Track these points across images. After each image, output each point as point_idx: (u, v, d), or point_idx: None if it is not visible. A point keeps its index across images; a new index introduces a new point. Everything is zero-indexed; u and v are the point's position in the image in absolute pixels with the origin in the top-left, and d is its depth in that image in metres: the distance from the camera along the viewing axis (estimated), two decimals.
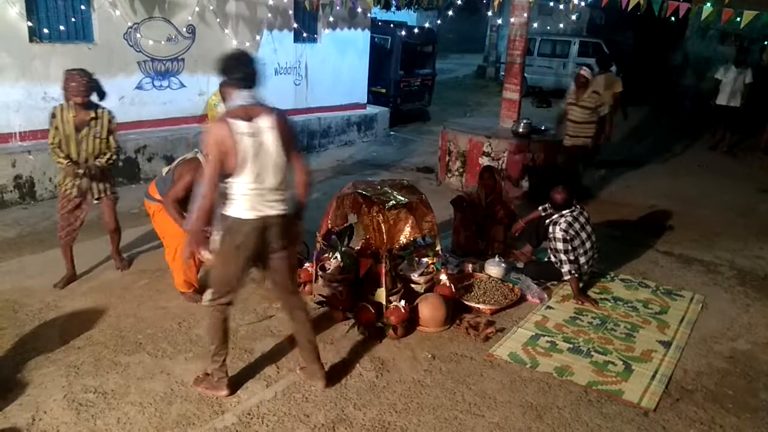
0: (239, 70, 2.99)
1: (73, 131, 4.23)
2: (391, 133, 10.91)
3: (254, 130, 2.92)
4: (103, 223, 4.61)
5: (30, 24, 6.27)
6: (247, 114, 2.94)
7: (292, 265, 3.36)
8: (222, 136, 2.88)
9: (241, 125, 2.89)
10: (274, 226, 3.09)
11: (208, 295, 3.20)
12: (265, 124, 2.96)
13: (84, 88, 4.15)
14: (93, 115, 4.26)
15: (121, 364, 3.60)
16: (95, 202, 4.48)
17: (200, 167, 4.08)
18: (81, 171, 4.28)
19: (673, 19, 6.31)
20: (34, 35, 6.38)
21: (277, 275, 3.26)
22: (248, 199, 2.99)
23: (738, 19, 5.79)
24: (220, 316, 3.21)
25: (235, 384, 3.43)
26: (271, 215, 3.05)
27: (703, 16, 5.90)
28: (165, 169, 4.33)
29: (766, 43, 13.98)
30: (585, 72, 6.87)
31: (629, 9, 6.21)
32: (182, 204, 4.04)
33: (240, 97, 2.98)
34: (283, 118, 3.05)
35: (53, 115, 4.22)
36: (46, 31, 6.44)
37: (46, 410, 3.17)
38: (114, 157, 4.44)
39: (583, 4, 8.94)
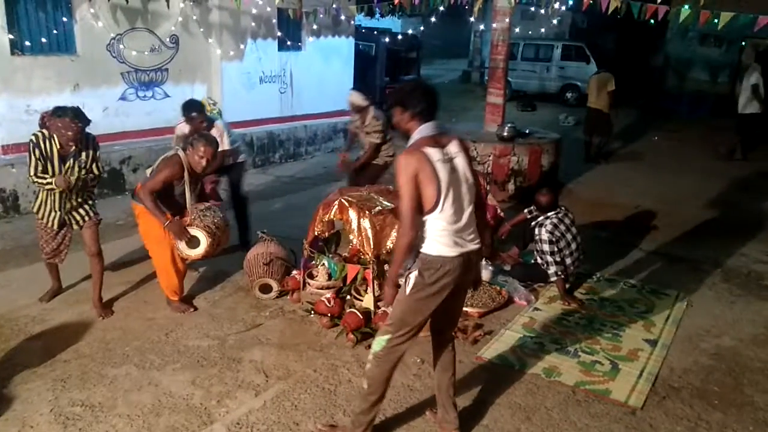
0: (421, 102, 2.76)
1: (57, 163, 3.93)
2: None
3: (448, 156, 2.73)
4: (83, 247, 4.28)
5: (11, 37, 6.23)
6: (437, 142, 2.74)
7: (461, 306, 3.16)
8: (420, 166, 2.64)
9: (435, 152, 2.68)
10: (473, 263, 2.88)
11: (383, 341, 2.86)
12: (454, 149, 2.77)
13: (79, 135, 3.89)
14: (80, 146, 3.98)
15: (108, 376, 3.57)
16: (78, 228, 4.23)
17: (180, 162, 4.09)
18: (73, 181, 3.96)
19: (652, 21, 6.40)
20: (16, 48, 6.34)
21: (448, 316, 3.01)
22: (448, 234, 2.73)
23: (716, 20, 5.88)
24: (394, 361, 2.89)
25: (224, 394, 3.43)
26: (472, 250, 2.81)
27: (681, 18, 5.99)
28: (149, 170, 4.33)
29: (743, 43, 14.20)
30: (353, 97, 5.78)
31: (609, 12, 6.29)
32: (162, 199, 4.07)
33: (425, 129, 2.76)
34: (464, 145, 2.85)
35: (35, 145, 3.87)
36: (27, 43, 6.40)
37: (32, 425, 3.14)
38: (93, 181, 4.19)
39: (564, 8, 9.04)
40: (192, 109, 5.11)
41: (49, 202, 4.09)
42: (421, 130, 2.76)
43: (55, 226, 4.15)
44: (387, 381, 2.95)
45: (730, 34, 15.59)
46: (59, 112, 3.85)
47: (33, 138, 3.90)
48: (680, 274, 5.38)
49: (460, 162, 2.77)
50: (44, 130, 3.94)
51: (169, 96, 7.80)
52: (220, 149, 5.24)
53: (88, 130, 4.06)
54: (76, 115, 3.86)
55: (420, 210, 2.70)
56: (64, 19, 6.66)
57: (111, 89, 7.19)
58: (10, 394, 3.37)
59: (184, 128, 5.22)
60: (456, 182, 2.74)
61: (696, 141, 11.83)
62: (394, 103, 2.83)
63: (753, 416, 3.45)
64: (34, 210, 4.17)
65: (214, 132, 5.23)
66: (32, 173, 3.92)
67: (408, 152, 2.71)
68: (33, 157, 3.89)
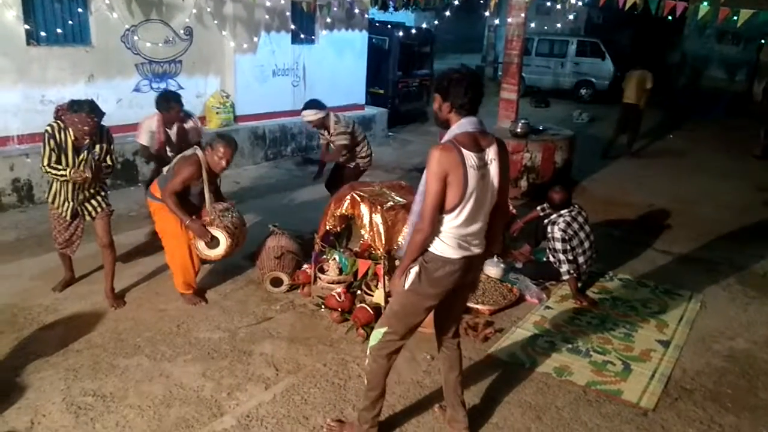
0: (466, 95, 2.61)
1: (71, 154, 3.93)
2: (390, 134, 10.90)
3: (483, 162, 2.62)
4: (96, 238, 4.28)
5: (27, 27, 6.26)
6: (476, 143, 2.61)
7: (464, 305, 3.08)
8: (452, 167, 2.53)
9: (471, 156, 2.57)
10: (475, 267, 2.83)
11: (379, 334, 2.84)
12: (491, 155, 2.65)
13: (95, 130, 3.90)
14: (94, 138, 3.98)
15: (120, 367, 3.60)
16: (90, 219, 4.24)
17: (198, 162, 4.09)
18: (87, 174, 3.95)
19: (670, 18, 6.32)
20: (32, 38, 6.36)
21: (449, 314, 2.97)
22: (455, 237, 2.66)
23: (735, 17, 5.80)
24: (391, 356, 2.87)
25: (234, 387, 3.44)
26: (475, 254, 2.75)
27: (699, 15, 5.92)
28: (165, 168, 4.33)
29: (762, 41, 13.99)
30: (307, 116, 5.46)
31: (626, 8, 6.22)
32: (181, 198, 4.08)
33: (465, 123, 2.64)
34: (504, 149, 2.72)
35: (51, 136, 3.87)
36: (43, 34, 6.42)
37: (44, 414, 3.16)
38: (107, 173, 4.21)
39: (580, 3, 8.96)
40: (172, 99, 5.03)
41: (62, 192, 4.10)
42: (461, 125, 2.64)
43: (68, 216, 4.17)
44: (385, 376, 2.92)
45: (748, 32, 15.40)
46: (75, 107, 3.83)
47: (48, 128, 3.91)
48: (694, 275, 5.33)
49: (493, 169, 2.66)
50: (59, 121, 3.94)
51: (182, 88, 7.79)
52: (195, 140, 5.20)
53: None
54: (92, 110, 3.85)
55: (441, 208, 2.63)
56: (80, 9, 6.67)
57: (125, 80, 7.21)
58: (23, 382, 3.40)
59: (153, 123, 5.07)
60: (482, 191, 2.65)
61: (711, 140, 11.70)
62: (437, 90, 2.70)
63: (767, 420, 3.41)
64: (48, 199, 4.19)
65: (189, 124, 5.22)
66: (45, 163, 3.93)
67: (444, 148, 2.57)
68: (47, 147, 3.90)
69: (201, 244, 4.15)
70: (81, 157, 3.98)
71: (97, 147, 4.04)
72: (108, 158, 4.14)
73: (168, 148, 5.15)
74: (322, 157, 5.91)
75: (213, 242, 4.16)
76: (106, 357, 3.69)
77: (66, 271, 4.53)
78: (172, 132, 5.13)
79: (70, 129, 3.89)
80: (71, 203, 4.13)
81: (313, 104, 5.50)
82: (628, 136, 10.06)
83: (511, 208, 5.42)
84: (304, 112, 5.47)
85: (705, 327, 4.41)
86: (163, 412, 3.22)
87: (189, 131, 5.22)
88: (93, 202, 4.21)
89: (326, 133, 5.56)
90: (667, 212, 7.05)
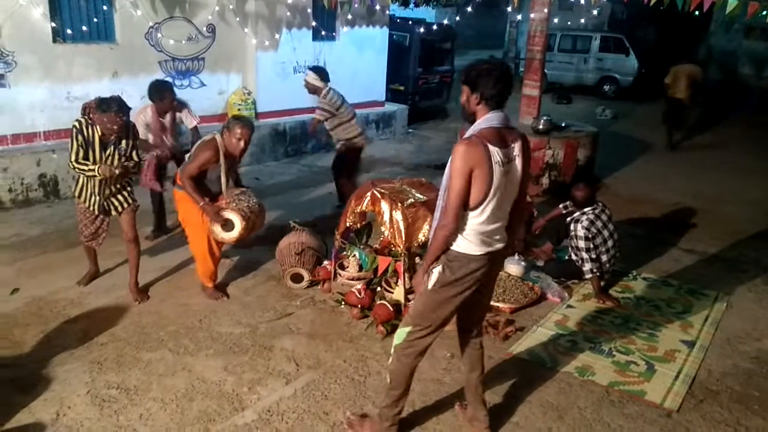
0: (495, 86, 2.55)
1: (98, 150, 3.99)
2: (410, 130, 10.87)
3: (508, 158, 2.58)
4: (122, 233, 4.33)
5: (53, 25, 6.36)
6: (501, 138, 2.57)
7: (488, 303, 3.08)
8: (477, 163, 2.49)
9: (497, 152, 2.52)
10: (497, 262, 2.82)
11: (404, 333, 2.83)
12: (517, 150, 2.62)
13: (122, 128, 3.95)
14: (120, 134, 4.02)
15: (143, 360, 3.64)
16: (116, 214, 4.29)
17: (216, 146, 4.13)
18: (117, 171, 4.01)
19: (697, 13, 6.20)
20: (58, 36, 6.46)
21: (470, 312, 2.93)
22: (478, 233, 2.62)
23: (764, 12, 5.68)
24: (416, 356, 2.84)
25: (255, 381, 3.47)
26: (498, 249, 2.72)
27: (727, 11, 5.78)
28: (188, 155, 4.38)
29: None
30: (309, 77, 6.00)
31: (652, 4, 6.11)
32: (199, 184, 4.14)
33: (492, 118, 2.59)
34: (527, 144, 2.69)
35: (78, 131, 3.93)
36: (69, 31, 6.52)
37: (69, 406, 3.22)
38: (134, 168, 4.24)
39: None
40: (164, 89, 5.06)
41: (89, 187, 4.16)
42: (488, 119, 2.58)
43: (96, 211, 4.24)
44: (410, 376, 2.90)
45: None
46: (104, 106, 3.87)
47: (76, 124, 3.97)
48: (719, 274, 5.23)
49: (517, 165, 2.64)
50: (86, 117, 4.00)
51: (205, 85, 7.88)
52: (192, 125, 5.35)
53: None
54: (120, 108, 3.90)
55: (465, 204, 2.58)
56: (104, 7, 6.75)
57: (149, 77, 7.19)
58: (49, 374, 3.46)
59: (147, 115, 5.06)
60: (505, 187, 2.61)
61: (738, 137, 11.47)
62: (465, 81, 2.63)
63: None
64: (75, 194, 4.25)
65: (185, 114, 5.29)
66: (73, 159, 3.99)
67: (470, 143, 2.51)
68: (75, 143, 3.95)
69: (216, 227, 4.18)
70: (108, 152, 4.03)
71: (123, 142, 4.09)
72: (134, 153, 4.19)
73: (165, 138, 5.18)
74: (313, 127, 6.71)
75: (227, 225, 4.19)
76: (130, 350, 3.74)
77: (91, 265, 4.60)
78: (167, 121, 5.18)
79: (98, 126, 3.95)
80: (98, 198, 4.18)
81: (318, 70, 6.11)
82: (667, 131, 9.97)
83: (532, 207, 5.38)
84: (309, 72, 6.09)
85: (731, 328, 4.32)
86: (185, 405, 3.25)
87: (183, 120, 5.32)
88: (119, 197, 4.26)
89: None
90: (692, 210, 6.93)
